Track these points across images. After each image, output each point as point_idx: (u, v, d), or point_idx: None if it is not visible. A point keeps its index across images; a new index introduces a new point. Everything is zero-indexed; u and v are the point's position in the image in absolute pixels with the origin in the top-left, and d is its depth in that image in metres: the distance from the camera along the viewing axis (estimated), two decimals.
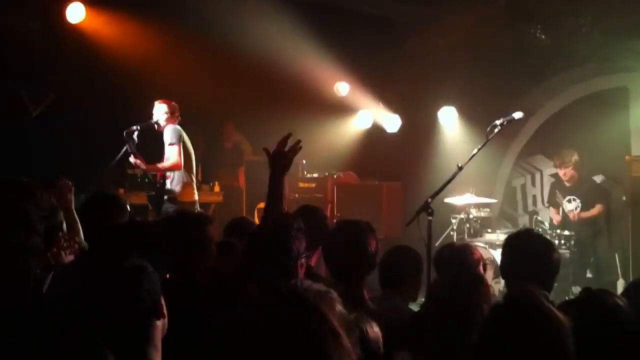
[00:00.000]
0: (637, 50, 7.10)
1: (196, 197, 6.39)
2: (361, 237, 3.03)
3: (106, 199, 3.63)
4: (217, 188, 8.25)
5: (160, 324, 2.54)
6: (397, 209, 7.87)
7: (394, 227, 7.55)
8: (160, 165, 6.26)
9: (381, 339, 2.06)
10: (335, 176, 7.98)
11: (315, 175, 7.95)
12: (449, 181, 4.88)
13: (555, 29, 7.39)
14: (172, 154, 6.21)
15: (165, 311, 2.54)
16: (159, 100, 6.36)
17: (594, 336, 2.05)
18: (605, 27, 7.09)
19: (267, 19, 7.22)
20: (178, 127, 6.31)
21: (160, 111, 6.32)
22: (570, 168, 7.21)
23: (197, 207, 6.24)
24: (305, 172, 8.09)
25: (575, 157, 7.20)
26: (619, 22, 6.88)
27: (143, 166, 6.21)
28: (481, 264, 3.43)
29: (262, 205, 7.87)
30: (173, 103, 6.39)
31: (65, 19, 6.85)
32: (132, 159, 6.15)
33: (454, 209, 7.32)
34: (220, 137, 9.22)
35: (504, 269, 3.05)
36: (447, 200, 7.03)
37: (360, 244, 3.01)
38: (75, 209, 3.76)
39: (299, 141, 3.32)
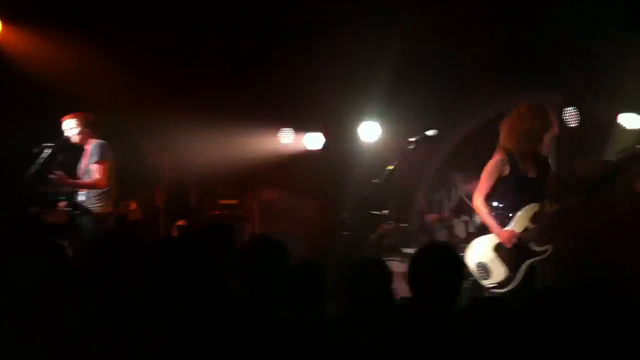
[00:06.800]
0: (552, 68, 7.41)
1: (111, 209, 6.25)
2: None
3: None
4: (134, 205, 8.09)
5: None
6: (320, 226, 7.90)
7: (317, 244, 7.58)
8: (82, 181, 6.12)
9: None
10: (257, 193, 7.96)
11: (236, 192, 7.91)
12: (365, 198, 5.00)
13: (477, 47, 7.61)
14: (97, 172, 6.10)
15: None
16: (68, 116, 6.23)
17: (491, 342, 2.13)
18: (520, 47, 7.36)
19: (190, 37, 7.20)
20: (106, 143, 6.20)
21: (69, 126, 6.20)
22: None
23: (112, 219, 6.13)
24: (225, 190, 8.04)
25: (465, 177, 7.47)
26: (534, 41, 7.14)
27: (65, 181, 6.06)
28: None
29: (181, 222, 7.82)
30: (84, 115, 6.25)
31: None
32: (51, 176, 5.99)
33: (373, 225, 7.40)
34: (138, 152, 9.04)
35: (411, 280, 3.14)
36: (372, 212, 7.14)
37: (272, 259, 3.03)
38: None
39: None
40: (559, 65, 7.24)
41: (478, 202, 4.97)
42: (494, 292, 4.85)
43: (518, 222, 4.86)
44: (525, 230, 4.84)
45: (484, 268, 4.95)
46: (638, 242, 5.75)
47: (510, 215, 4.89)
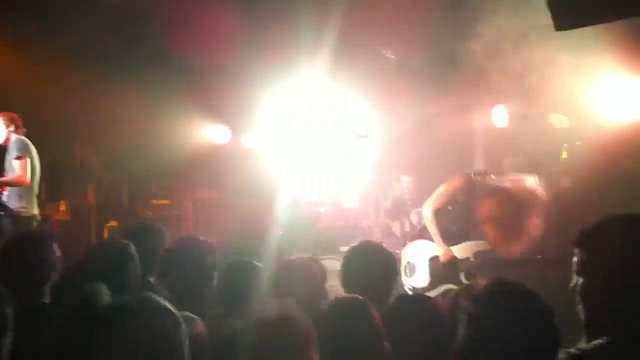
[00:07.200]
0: (482, 70, 7.55)
1: (35, 211, 6.04)
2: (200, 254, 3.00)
3: None
4: (62, 206, 7.86)
5: None
6: (255, 225, 7.82)
7: (252, 242, 7.50)
8: (2, 179, 5.91)
9: None
10: (191, 192, 7.84)
11: (170, 191, 7.77)
12: (300, 197, 5.01)
13: (408, 50, 7.69)
14: (18, 168, 5.88)
15: None
16: None
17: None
18: (451, 49, 7.48)
19: (114, 30, 7.03)
20: (25, 139, 6.00)
21: None
22: (410, 181, 7.58)
23: (36, 222, 5.93)
24: (159, 189, 7.89)
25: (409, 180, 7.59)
26: (465, 44, 7.25)
27: None
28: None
29: (113, 223, 7.64)
30: (10, 115, 6.06)
31: None
32: None
33: (309, 223, 7.40)
34: (68, 151, 8.78)
35: (344, 281, 3.14)
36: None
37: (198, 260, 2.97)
38: None
39: None
40: (489, 67, 7.39)
41: (428, 212, 5.20)
42: (407, 291, 5.19)
43: (463, 249, 5.14)
44: (466, 259, 5.13)
45: (412, 268, 5.24)
46: (563, 237, 5.92)
47: (459, 239, 5.17)
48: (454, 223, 5.19)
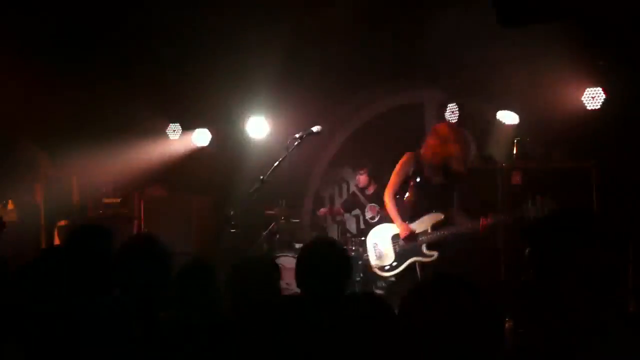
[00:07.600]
0: (433, 68, 7.64)
1: None
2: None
3: None
4: (10, 205, 7.63)
5: None
6: (208, 223, 7.77)
7: (205, 241, 7.46)
8: None
9: None
10: (143, 191, 7.71)
11: (121, 190, 7.61)
12: (252, 194, 4.99)
13: (358, 46, 7.72)
14: None
15: None
16: None
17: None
18: (405, 48, 7.54)
19: (73, 28, 6.87)
20: None
21: None
22: (364, 175, 7.59)
23: None
24: (109, 187, 7.73)
25: (367, 171, 7.63)
26: (418, 44, 7.32)
27: None
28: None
29: (63, 223, 7.46)
30: None
31: None
32: None
33: (264, 221, 7.36)
34: (14, 149, 8.51)
35: (298, 279, 3.14)
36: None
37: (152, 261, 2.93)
38: None
39: None
40: (441, 66, 7.50)
41: (386, 196, 5.60)
42: (377, 272, 5.71)
43: (421, 223, 5.51)
44: (424, 232, 5.48)
45: (378, 250, 5.70)
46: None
47: (415, 215, 5.53)
48: (424, 198, 5.51)
